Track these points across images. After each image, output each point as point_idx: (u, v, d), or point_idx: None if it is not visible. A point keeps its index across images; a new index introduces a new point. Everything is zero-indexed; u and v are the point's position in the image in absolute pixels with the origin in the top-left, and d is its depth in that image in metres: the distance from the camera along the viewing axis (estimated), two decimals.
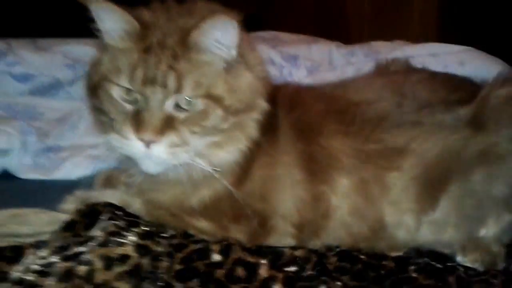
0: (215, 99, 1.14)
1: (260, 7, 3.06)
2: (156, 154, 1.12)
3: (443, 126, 1.24)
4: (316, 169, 1.24)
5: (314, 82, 1.89)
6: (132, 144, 1.12)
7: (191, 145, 1.14)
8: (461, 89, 1.35)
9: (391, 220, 1.24)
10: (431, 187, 1.23)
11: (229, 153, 1.20)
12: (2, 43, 2.17)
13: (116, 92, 1.15)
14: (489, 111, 1.25)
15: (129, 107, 1.14)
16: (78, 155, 1.71)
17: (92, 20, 1.16)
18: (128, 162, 1.24)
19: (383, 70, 1.58)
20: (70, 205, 1.33)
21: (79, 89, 2.02)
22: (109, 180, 1.51)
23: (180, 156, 1.13)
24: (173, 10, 1.20)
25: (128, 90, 1.13)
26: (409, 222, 1.24)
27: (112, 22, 1.15)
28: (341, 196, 1.24)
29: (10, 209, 1.35)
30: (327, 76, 2.19)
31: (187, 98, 1.12)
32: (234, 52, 1.15)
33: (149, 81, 1.11)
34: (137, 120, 1.11)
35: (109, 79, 1.15)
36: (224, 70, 1.16)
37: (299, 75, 2.26)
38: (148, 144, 1.10)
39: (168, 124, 1.11)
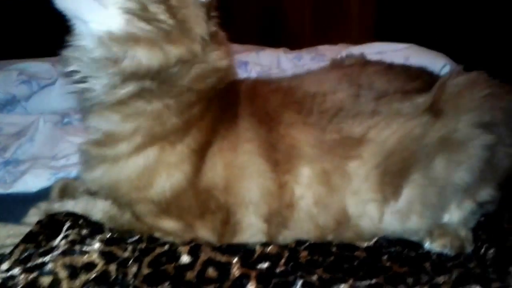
0: None
1: None
2: None
3: (401, 114, 1.16)
4: (278, 158, 1.15)
5: None
6: None
7: None
8: (417, 79, 1.27)
9: (354, 211, 1.14)
10: (393, 176, 1.14)
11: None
12: None
13: None
14: (448, 98, 1.17)
15: None
16: (37, 167, 1.56)
17: None
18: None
19: (338, 65, 1.48)
20: (34, 218, 1.21)
21: (35, 104, 1.90)
22: (65, 190, 1.39)
23: None
24: None
25: None
26: (372, 212, 1.15)
27: None
28: (304, 186, 1.14)
29: None
30: None
31: None
32: None
33: None
34: None
35: None
36: None
37: None
38: None
39: None
